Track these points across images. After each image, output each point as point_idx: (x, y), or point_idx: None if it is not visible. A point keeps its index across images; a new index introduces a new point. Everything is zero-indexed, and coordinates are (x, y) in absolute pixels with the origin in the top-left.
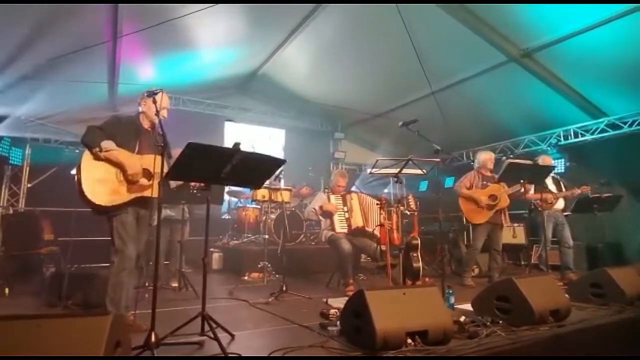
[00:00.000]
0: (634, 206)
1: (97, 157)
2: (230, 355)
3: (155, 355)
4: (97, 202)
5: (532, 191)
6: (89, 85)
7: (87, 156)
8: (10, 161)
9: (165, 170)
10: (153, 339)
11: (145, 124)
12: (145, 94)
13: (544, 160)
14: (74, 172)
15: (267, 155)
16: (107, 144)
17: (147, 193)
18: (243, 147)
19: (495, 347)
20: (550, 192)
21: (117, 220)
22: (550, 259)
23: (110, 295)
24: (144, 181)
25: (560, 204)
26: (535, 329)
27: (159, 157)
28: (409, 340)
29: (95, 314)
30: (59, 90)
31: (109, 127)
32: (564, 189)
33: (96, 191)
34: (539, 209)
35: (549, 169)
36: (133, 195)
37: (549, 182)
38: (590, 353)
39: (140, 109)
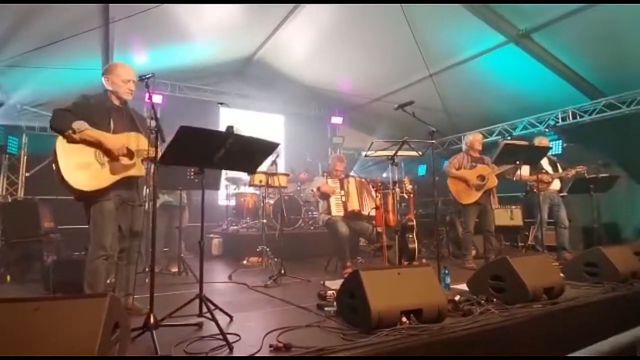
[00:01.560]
0: (631, 186)
1: (71, 140)
2: (228, 335)
3: (155, 336)
4: (80, 189)
5: (527, 172)
6: (83, 72)
7: (60, 142)
8: (7, 150)
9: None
10: (152, 320)
11: (115, 101)
12: (119, 77)
13: (540, 141)
14: None
15: (261, 139)
16: (79, 124)
17: (131, 172)
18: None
19: (489, 324)
20: (545, 173)
21: (95, 209)
22: (547, 239)
23: (88, 280)
24: (126, 160)
25: (556, 184)
26: (529, 306)
27: (138, 134)
28: (404, 319)
29: (92, 296)
30: (53, 77)
31: (80, 108)
32: (560, 170)
33: (78, 177)
34: (535, 190)
35: (544, 149)
36: (118, 177)
37: (544, 163)
38: (583, 330)
39: (106, 86)
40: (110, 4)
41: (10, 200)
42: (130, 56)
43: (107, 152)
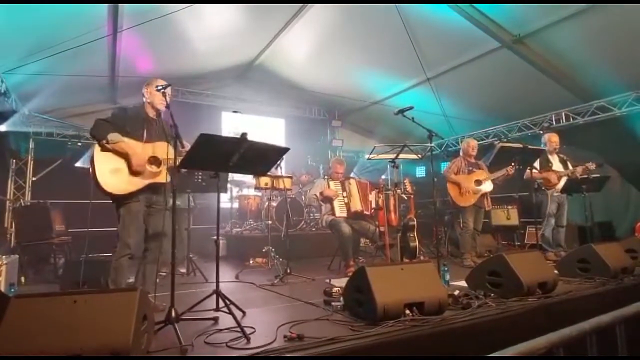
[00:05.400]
0: (624, 186)
1: (104, 149)
2: (245, 327)
3: (177, 328)
4: (112, 192)
5: (537, 171)
6: (90, 79)
7: (97, 148)
8: (20, 155)
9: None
10: (173, 314)
11: (151, 113)
12: (155, 88)
13: (549, 138)
14: (78, 164)
15: (272, 144)
16: (113, 136)
17: (159, 179)
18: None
19: (486, 316)
20: (554, 171)
21: (124, 209)
22: (538, 238)
23: (112, 277)
24: (153, 168)
25: (562, 183)
26: (524, 300)
27: (166, 144)
28: (407, 311)
29: (124, 290)
30: (60, 84)
31: (117, 119)
32: (570, 168)
33: (110, 181)
34: (543, 188)
35: (538, 151)
36: (147, 182)
37: (555, 161)
38: (574, 322)
39: (144, 98)
40: (119, 12)
41: (19, 204)
42: (135, 63)
43: (130, 165)
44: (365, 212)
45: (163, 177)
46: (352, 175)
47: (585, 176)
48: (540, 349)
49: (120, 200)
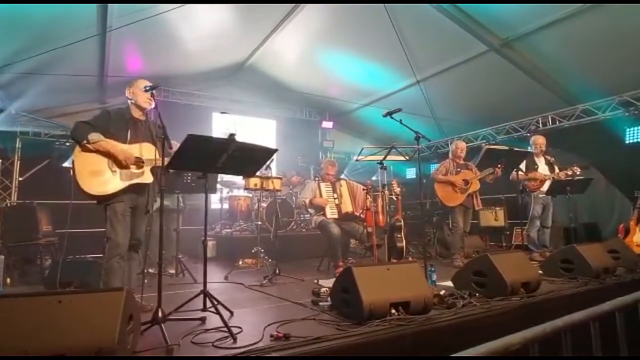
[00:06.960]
0: (609, 189)
1: (86, 150)
2: (231, 327)
3: (164, 328)
4: (92, 193)
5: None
6: (79, 79)
7: (77, 150)
8: (8, 154)
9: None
10: (160, 314)
11: (136, 114)
12: (139, 88)
13: (535, 140)
14: (66, 164)
15: (260, 145)
16: (94, 136)
17: (139, 180)
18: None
19: (470, 315)
20: (538, 174)
21: (110, 209)
22: (523, 239)
23: (103, 279)
24: (135, 168)
25: (546, 185)
26: (508, 299)
27: (151, 145)
28: (393, 311)
29: (110, 290)
30: (49, 84)
31: (99, 121)
32: (557, 171)
33: (90, 182)
34: (527, 190)
35: (524, 153)
36: (127, 183)
37: (541, 164)
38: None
39: (128, 98)
40: (108, 12)
41: (6, 204)
42: (124, 62)
43: (117, 161)
44: (355, 213)
45: (146, 178)
46: (343, 176)
47: (570, 178)
48: (514, 345)
49: (103, 201)
